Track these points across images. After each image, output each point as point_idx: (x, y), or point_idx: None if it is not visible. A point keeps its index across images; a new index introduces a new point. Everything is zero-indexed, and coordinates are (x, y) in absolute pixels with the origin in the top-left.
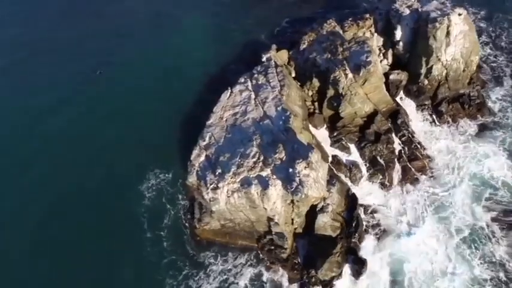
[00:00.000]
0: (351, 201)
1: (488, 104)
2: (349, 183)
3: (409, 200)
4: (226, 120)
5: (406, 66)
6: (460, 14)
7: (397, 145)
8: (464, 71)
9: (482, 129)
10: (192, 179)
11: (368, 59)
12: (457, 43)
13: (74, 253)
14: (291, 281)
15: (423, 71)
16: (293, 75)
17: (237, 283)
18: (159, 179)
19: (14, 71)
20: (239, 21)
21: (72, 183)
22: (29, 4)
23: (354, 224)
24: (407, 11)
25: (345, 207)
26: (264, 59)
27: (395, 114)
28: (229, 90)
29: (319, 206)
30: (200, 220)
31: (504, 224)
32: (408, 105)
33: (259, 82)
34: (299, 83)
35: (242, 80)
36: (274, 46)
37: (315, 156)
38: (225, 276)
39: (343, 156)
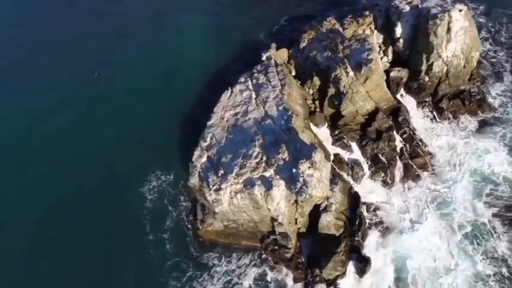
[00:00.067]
0: (353, 199)
1: (489, 99)
2: (351, 182)
3: (411, 197)
4: (227, 120)
5: (407, 63)
6: (460, 10)
7: (398, 142)
8: (464, 67)
9: (483, 125)
10: (194, 180)
11: (369, 57)
12: (457, 39)
13: (75, 256)
14: (295, 280)
15: (424, 67)
16: (293, 73)
17: (241, 283)
18: (161, 181)
19: (13, 71)
20: (238, 20)
21: (73, 185)
22: (28, 4)
23: (357, 222)
24: (407, 8)
25: (347, 205)
26: (263, 58)
27: (396, 111)
28: (230, 90)
29: (323, 205)
30: (203, 221)
31: (505, 219)
32: (409, 102)
33: (260, 81)
34: (299, 82)
35: (242, 79)
36: (273, 45)
37: (318, 155)
38: (229, 277)
39: (345, 155)
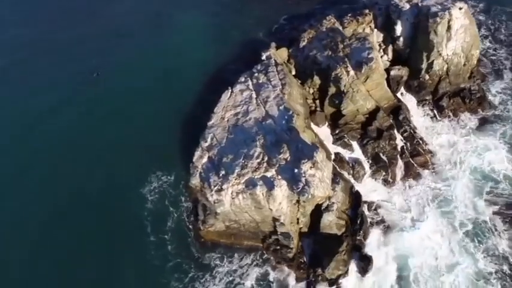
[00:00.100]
0: (355, 198)
1: (489, 97)
2: (353, 181)
3: (412, 196)
4: (227, 120)
5: (407, 62)
6: (460, 8)
7: (399, 141)
8: (465, 65)
9: (483, 122)
10: (195, 181)
11: (370, 56)
12: (458, 37)
13: (76, 258)
14: (297, 280)
15: (424, 66)
16: (293, 73)
17: (243, 284)
18: (161, 181)
19: (12, 72)
20: (237, 19)
21: (73, 187)
22: (28, 4)
23: (358, 222)
24: (407, 6)
25: (349, 205)
26: (263, 58)
27: (397, 110)
28: (230, 90)
29: (324, 204)
30: (204, 222)
31: (506, 217)
32: (409, 100)
33: (260, 81)
34: (299, 81)
35: (242, 79)
36: (273, 44)
37: (320, 155)
38: (231, 277)
39: (346, 154)
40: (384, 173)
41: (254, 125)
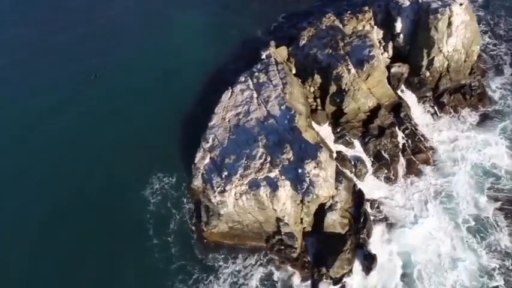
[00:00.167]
0: (357, 197)
1: (489, 93)
2: (355, 179)
3: (415, 193)
4: (229, 120)
5: (407, 59)
6: (461, 4)
7: (400, 139)
8: (465, 61)
9: (484, 118)
10: (197, 182)
11: (371, 54)
12: (458, 33)
13: (79, 262)
14: (302, 279)
15: (424, 62)
16: (293, 71)
17: (248, 284)
18: (163, 183)
19: (11, 72)
20: (235, 18)
21: (73, 189)
22: (27, 5)
23: (361, 220)
24: (407, 3)
25: (352, 203)
26: (263, 57)
27: (398, 107)
28: (230, 90)
29: (328, 204)
30: (207, 223)
31: (508, 212)
32: (409, 97)
33: (261, 80)
34: (300, 80)
35: (242, 78)
36: (273, 43)
37: (323, 155)
38: (236, 278)
39: (348, 152)
40: (386, 171)
41: (256, 125)
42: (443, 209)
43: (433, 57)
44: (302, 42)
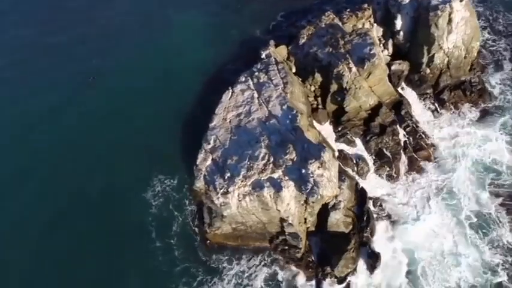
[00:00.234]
0: (360, 195)
1: (489, 88)
2: (357, 178)
3: (416, 190)
4: (230, 121)
5: (407, 56)
6: (461, 0)
7: (402, 136)
8: (465, 57)
9: (484, 114)
10: (199, 184)
11: (372, 52)
12: (458, 30)
13: (80, 266)
14: (306, 279)
15: (425, 59)
16: (293, 70)
17: (252, 285)
18: (165, 185)
19: (11, 72)
20: (233, 17)
21: (73, 193)
22: (26, 5)
23: (365, 218)
24: (406, 0)
25: (355, 202)
26: (263, 56)
27: (399, 105)
28: (231, 90)
29: (331, 203)
30: (211, 225)
31: (510, 208)
32: (410, 94)
33: (261, 80)
34: (300, 79)
35: (243, 78)
36: (272, 42)
37: (327, 155)
38: (240, 279)
39: (349, 151)
40: (387, 169)
41: (257, 125)
42: (445, 205)
43: (434, 54)
44: (302, 41)
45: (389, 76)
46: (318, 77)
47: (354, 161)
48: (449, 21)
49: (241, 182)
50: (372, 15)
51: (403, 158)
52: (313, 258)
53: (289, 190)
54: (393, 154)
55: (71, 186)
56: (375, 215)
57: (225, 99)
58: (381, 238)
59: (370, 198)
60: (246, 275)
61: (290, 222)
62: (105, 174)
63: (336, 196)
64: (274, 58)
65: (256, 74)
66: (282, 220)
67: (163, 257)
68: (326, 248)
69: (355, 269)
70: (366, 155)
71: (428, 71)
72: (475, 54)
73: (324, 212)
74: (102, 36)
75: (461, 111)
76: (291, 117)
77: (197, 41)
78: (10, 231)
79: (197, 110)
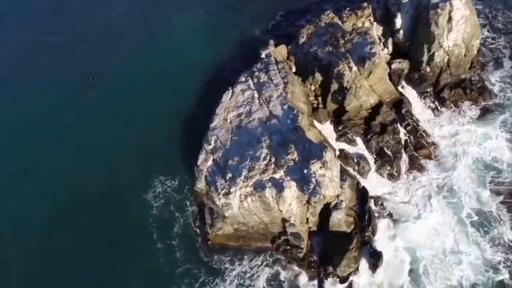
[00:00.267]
0: (361, 194)
1: (489, 86)
2: (358, 177)
3: (418, 188)
4: (230, 121)
5: (407, 55)
6: None
7: (402, 135)
8: (465, 55)
9: (484, 112)
10: (200, 185)
11: (372, 51)
12: (458, 28)
13: (81, 267)
14: (309, 278)
15: (425, 58)
16: (293, 70)
17: (254, 285)
18: (165, 186)
19: (11, 72)
20: (233, 17)
21: (74, 194)
22: (26, 5)
23: (366, 217)
24: None
25: (356, 201)
26: (263, 56)
27: (399, 103)
28: (231, 90)
29: (333, 203)
30: (212, 226)
31: (510, 206)
32: (410, 93)
33: (261, 80)
34: (300, 78)
35: (243, 78)
36: (272, 41)
37: (328, 155)
38: (242, 280)
39: (350, 150)
40: (388, 167)
41: (258, 125)
42: (446, 203)
43: (434, 52)
44: (301, 40)
45: (389, 75)
46: (318, 76)
47: (355, 160)
48: (450, 19)
49: (243, 182)
50: (372, 14)
51: (404, 157)
52: (315, 258)
53: (291, 190)
54: (394, 153)
55: (71, 187)
56: (376, 214)
57: (226, 100)
58: (382, 237)
59: (372, 197)
60: (248, 275)
61: (292, 222)
62: (106, 174)
63: (338, 196)
64: (274, 58)
65: (257, 73)
66: (284, 220)
67: (165, 258)
68: (328, 248)
69: (357, 269)
70: (366, 154)
71: (428, 69)
72: (475, 52)
73: (326, 211)
74: (102, 36)
75: (461, 109)
76: (291, 117)
77: (197, 41)
78: (10, 231)
79: (197, 110)
